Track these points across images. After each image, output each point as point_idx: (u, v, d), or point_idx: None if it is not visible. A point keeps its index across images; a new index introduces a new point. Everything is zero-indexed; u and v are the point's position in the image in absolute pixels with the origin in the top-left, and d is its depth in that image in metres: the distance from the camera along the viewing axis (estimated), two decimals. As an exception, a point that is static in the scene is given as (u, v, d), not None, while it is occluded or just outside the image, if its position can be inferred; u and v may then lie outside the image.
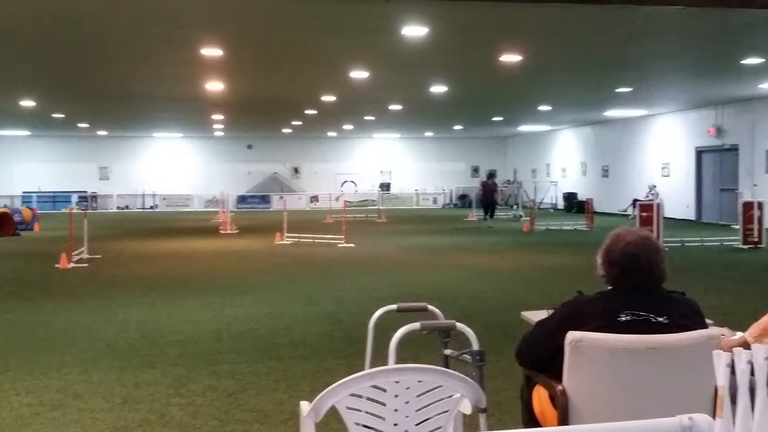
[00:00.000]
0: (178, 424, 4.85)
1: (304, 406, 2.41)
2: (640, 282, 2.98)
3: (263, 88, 19.09)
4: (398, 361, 3.35)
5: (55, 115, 25.81)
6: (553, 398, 3.04)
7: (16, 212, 23.03)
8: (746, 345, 2.98)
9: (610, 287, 3.07)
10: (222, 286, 10.93)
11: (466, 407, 2.58)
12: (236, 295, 10.08)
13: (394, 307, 4.03)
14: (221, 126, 31.86)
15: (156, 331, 7.80)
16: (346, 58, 14.51)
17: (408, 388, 2.37)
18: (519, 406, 3.52)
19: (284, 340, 7.37)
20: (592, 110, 26.26)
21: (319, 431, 2.40)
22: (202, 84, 17.78)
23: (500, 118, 29.14)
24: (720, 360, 1.78)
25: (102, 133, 35.01)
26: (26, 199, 34.87)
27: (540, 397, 3.21)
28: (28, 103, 21.87)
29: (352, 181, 39.80)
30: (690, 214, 25.20)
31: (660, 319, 2.89)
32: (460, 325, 3.57)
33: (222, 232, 21.81)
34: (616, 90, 19.79)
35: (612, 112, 26.56)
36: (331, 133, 36.86)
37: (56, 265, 13.17)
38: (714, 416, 1.69)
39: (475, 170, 40.77)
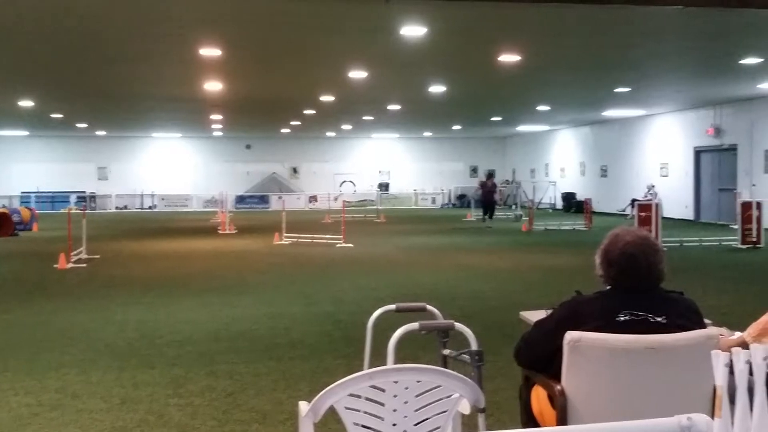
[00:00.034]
0: (177, 425, 4.85)
1: (303, 406, 2.40)
2: (639, 282, 2.98)
3: (262, 88, 19.09)
4: (397, 361, 3.35)
5: (53, 115, 25.80)
6: (551, 398, 3.04)
7: (15, 212, 23.02)
8: (745, 345, 2.97)
9: (608, 287, 3.07)
10: (221, 286, 10.92)
11: (465, 407, 2.58)
12: (235, 295, 10.08)
13: (392, 307, 4.03)
14: (220, 126, 31.85)
15: (154, 331, 7.79)
16: (345, 58, 14.51)
17: (407, 388, 2.37)
18: (517, 406, 3.52)
19: (283, 340, 7.37)
20: (590, 110, 26.28)
21: (318, 431, 2.40)
22: (200, 84, 17.78)
23: (499, 118, 29.15)
24: (718, 360, 1.78)
25: (101, 133, 34.99)
26: (25, 199, 34.85)
27: (539, 397, 3.21)
28: (26, 103, 21.86)
29: (350, 181, 39.80)
30: (688, 214, 25.22)
31: (658, 319, 2.89)
32: (458, 325, 3.57)
33: (221, 232, 21.80)
34: (615, 90, 19.80)
35: (611, 112, 26.57)
36: (329, 133, 36.87)
37: (55, 266, 13.16)
38: (712, 416, 1.69)
39: (474, 170, 40.79)
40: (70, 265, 13.30)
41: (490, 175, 29.44)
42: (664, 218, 17.74)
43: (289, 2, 10.07)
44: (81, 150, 36.95)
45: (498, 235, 20.71)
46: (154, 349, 7.00)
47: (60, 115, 25.90)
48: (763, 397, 1.79)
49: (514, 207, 31.79)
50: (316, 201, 38.07)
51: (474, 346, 3.45)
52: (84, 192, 36.80)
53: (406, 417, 2.38)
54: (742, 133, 22.69)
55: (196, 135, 37.47)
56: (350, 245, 16.81)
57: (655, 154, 27.41)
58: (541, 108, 24.94)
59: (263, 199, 38.01)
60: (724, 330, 3.36)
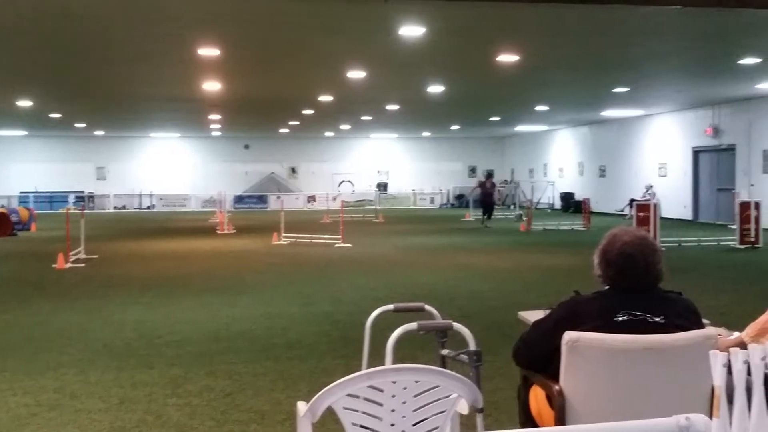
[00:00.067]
0: (175, 425, 4.84)
1: (301, 406, 2.40)
2: (637, 282, 2.98)
3: (260, 88, 19.08)
4: (395, 361, 3.34)
5: (52, 115, 25.78)
6: (550, 398, 3.04)
7: (13, 212, 23.01)
8: (743, 345, 2.97)
9: (606, 287, 3.07)
10: (219, 287, 10.92)
11: (463, 407, 2.58)
12: (233, 296, 10.07)
13: (391, 307, 4.02)
14: (218, 126, 31.84)
15: (153, 331, 7.79)
16: (344, 58, 14.51)
17: (405, 389, 2.36)
18: (516, 406, 3.52)
19: (281, 340, 7.37)
20: (589, 110, 26.29)
21: (316, 431, 2.39)
22: (199, 84, 17.77)
23: (497, 118, 29.16)
24: (717, 360, 1.78)
25: (99, 133, 34.96)
26: (23, 199, 34.81)
27: (537, 397, 3.21)
28: (25, 103, 21.84)
29: (349, 181, 39.81)
30: (687, 214, 25.23)
31: (657, 319, 2.89)
32: (457, 325, 3.57)
33: (219, 232, 21.80)
34: (614, 90, 19.81)
35: (609, 112, 26.59)
36: (328, 133, 36.86)
37: (53, 266, 13.15)
38: (711, 416, 1.69)
39: (473, 170, 40.80)
40: (69, 265, 13.29)
41: (489, 175, 29.43)
42: (662, 218, 17.77)
43: (288, 2, 10.07)
44: (79, 150, 36.93)
45: (496, 235, 20.72)
46: (152, 349, 7.00)
47: (58, 115, 25.88)
48: (761, 398, 1.79)
49: (512, 207, 31.80)
50: (314, 201, 38.07)
51: (472, 346, 3.45)
52: (82, 192, 36.79)
53: (404, 417, 2.38)
54: (740, 133, 22.71)
55: (194, 135, 37.46)
56: (349, 245, 16.81)
57: (654, 154, 27.42)
58: (540, 108, 24.95)
59: (262, 199, 38.00)
60: (722, 330, 3.36)
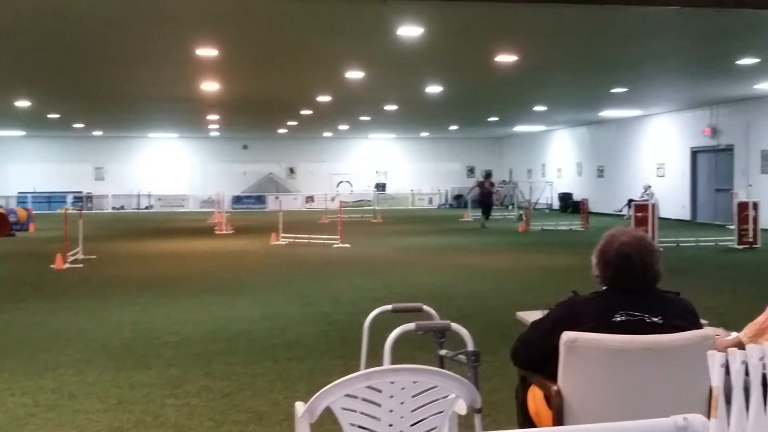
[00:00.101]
0: (174, 425, 4.84)
1: (300, 406, 2.40)
2: (635, 282, 2.98)
3: (259, 88, 19.07)
4: (393, 361, 3.34)
5: (50, 116, 25.75)
6: (548, 398, 3.04)
7: (12, 213, 23.00)
8: (741, 345, 2.98)
9: (604, 287, 3.08)
10: (217, 287, 10.92)
11: (461, 408, 2.57)
12: (232, 296, 10.07)
13: (389, 307, 4.02)
14: (217, 126, 31.82)
15: (151, 331, 7.78)
16: (342, 58, 14.51)
17: (403, 389, 2.36)
18: (514, 407, 3.52)
19: (280, 340, 7.37)
20: (587, 110, 26.29)
21: (314, 432, 2.40)
22: (197, 84, 17.76)
23: (496, 119, 29.16)
24: (714, 360, 1.78)
25: (97, 133, 34.93)
26: (21, 199, 34.76)
27: (535, 397, 3.21)
28: (23, 104, 21.81)
29: (347, 182, 39.80)
30: (685, 214, 25.24)
31: (655, 320, 2.89)
32: (455, 326, 3.57)
33: (217, 232, 21.79)
34: (612, 90, 19.81)
35: (607, 113, 26.60)
36: (326, 134, 36.85)
37: (51, 266, 13.14)
38: (709, 416, 1.69)
39: (471, 170, 40.81)
40: (67, 265, 13.28)
41: (488, 175, 29.45)
42: (660, 218, 17.76)
43: (286, 2, 10.06)
44: (78, 150, 36.90)
45: (495, 235, 20.72)
46: (150, 349, 6.99)
47: (57, 116, 25.85)
48: (759, 398, 1.80)
49: (511, 207, 31.80)
50: (313, 201, 38.05)
51: (470, 347, 3.45)
52: (81, 192, 36.74)
53: (402, 417, 2.38)
54: (738, 134, 22.72)
55: (192, 135, 37.43)
56: (347, 245, 16.81)
57: (652, 155, 27.43)
58: (538, 108, 24.95)
59: (260, 200, 37.98)
60: (720, 330, 3.36)
